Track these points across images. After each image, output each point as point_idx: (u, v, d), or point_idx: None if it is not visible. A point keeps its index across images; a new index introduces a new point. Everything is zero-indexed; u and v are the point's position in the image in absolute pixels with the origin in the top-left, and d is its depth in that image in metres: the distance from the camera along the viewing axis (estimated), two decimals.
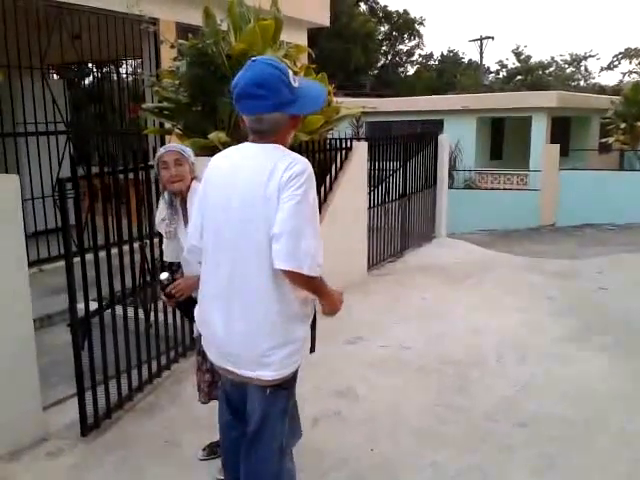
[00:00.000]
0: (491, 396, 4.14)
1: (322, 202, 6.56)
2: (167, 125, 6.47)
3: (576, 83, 44.17)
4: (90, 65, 10.20)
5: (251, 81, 2.25)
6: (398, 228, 8.51)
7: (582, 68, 46.45)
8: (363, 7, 39.31)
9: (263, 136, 2.34)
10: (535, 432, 3.66)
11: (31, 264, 3.65)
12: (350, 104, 8.18)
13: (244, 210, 2.26)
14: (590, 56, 45.93)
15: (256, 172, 2.26)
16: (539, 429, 3.70)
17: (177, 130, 6.17)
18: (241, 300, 2.31)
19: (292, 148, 6.26)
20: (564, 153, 18.94)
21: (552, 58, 46.26)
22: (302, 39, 11.01)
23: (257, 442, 2.47)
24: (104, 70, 9.79)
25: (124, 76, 9.66)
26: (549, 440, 3.58)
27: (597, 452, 3.46)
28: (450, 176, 14.37)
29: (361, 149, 7.18)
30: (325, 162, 6.65)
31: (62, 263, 3.56)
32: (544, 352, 4.93)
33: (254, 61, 2.30)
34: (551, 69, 45.89)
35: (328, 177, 6.68)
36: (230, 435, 2.65)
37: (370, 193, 7.71)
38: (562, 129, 21.77)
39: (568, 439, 3.59)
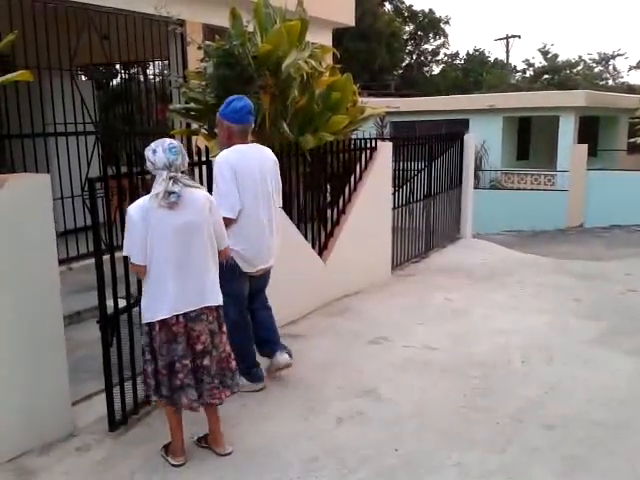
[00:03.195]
0: (517, 398, 4.11)
1: (346, 202, 6.57)
2: (194, 126, 6.54)
3: (604, 82, 43.49)
4: (118, 66, 10.33)
5: (251, 106, 4.00)
6: (423, 228, 8.48)
7: (610, 67, 45.70)
8: (388, 7, 39.21)
9: (247, 137, 4.02)
10: (562, 434, 3.63)
11: (60, 262, 3.72)
12: (374, 104, 8.16)
13: (271, 180, 4.10)
14: (619, 55, 45.13)
15: (269, 160, 4.14)
16: (566, 431, 3.66)
17: (203, 131, 6.23)
18: (273, 225, 4.12)
19: (317, 148, 6.31)
20: (592, 153, 18.69)
21: (580, 57, 45.62)
22: (327, 39, 11.02)
23: (266, 297, 4.44)
24: (131, 71, 9.91)
25: (151, 77, 9.77)
26: (576, 442, 3.54)
27: (625, 455, 3.42)
28: (476, 176, 14.27)
29: (385, 149, 7.17)
30: (349, 162, 6.65)
31: (91, 261, 3.61)
32: (571, 354, 4.87)
33: (243, 96, 4.05)
34: (579, 68, 45.24)
35: (352, 177, 6.69)
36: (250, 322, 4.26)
37: (394, 193, 7.69)
38: (590, 129, 21.48)
39: (595, 442, 3.55)
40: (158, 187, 3.07)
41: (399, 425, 3.76)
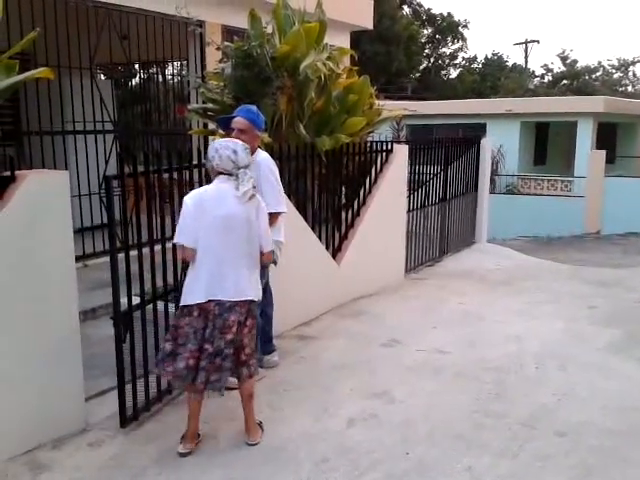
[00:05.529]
0: (530, 404, 4.08)
1: (361, 204, 6.57)
2: (211, 126, 6.56)
3: (623, 89, 43.10)
4: (137, 66, 10.40)
5: None
6: (437, 232, 8.45)
7: (630, 73, 45.34)
8: (406, 10, 39.11)
9: None
10: (574, 441, 3.60)
11: (76, 259, 3.75)
12: (391, 107, 8.15)
13: None
14: (639, 61, 44.79)
15: None
16: (579, 439, 3.63)
17: (221, 131, 6.25)
18: None
19: (333, 150, 6.30)
20: (610, 160, 18.52)
21: (599, 63, 45.38)
22: (345, 41, 11.03)
23: None
24: (150, 71, 9.98)
25: (169, 77, 9.83)
26: (589, 450, 3.51)
27: (637, 463, 3.38)
28: (492, 181, 14.21)
29: (401, 152, 7.16)
30: (365, 164, 6.65)
31: (106, 259, 3.65)
32: (585, 362, 4.83)
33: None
34: (598, 74, 44.90)
35: (367, 180, 6.68)
36: None
37: (410, 196, 7.68)
38: (608, 135, 21.28)
39: (608, 450, 3.52)
40: (247, 184, 3.31)
41: (411, 428, 3.75)
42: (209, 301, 3.34)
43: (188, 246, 3.33)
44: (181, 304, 3.43)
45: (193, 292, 3.37)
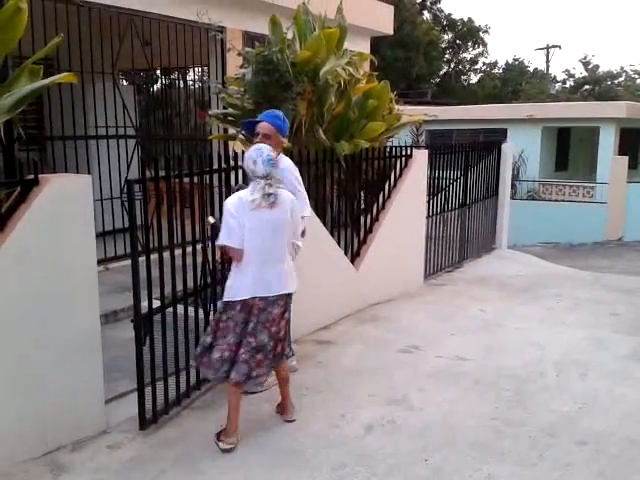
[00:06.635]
0: (550, 412, 4.03)
1: (380, 209, 6.56)
2: (231, 131, 6.60)
3: None
4: (158, 72, 10.51)
5: None
6: (457, 238, 8.41)
7: None
8: (427, 15, 39.00)
9: None
10: (595, 450, 3.55)
11: (98, 262, 3.79)
12: (411, 112, 8.14)
13: None
14: None
15: None
16: (599, 448, 3.58)
17: (241, 136, 6.28)
18: None
19: (352, 155, 6.29)
20: (633, 166, 18.30)
21: (621, 68, 44.70)
22: (365, 47, 11.05)
23: None
24: (172, 77, 10.08)
25: (190, 83, 9.92)
26: (609, 459, 3.46)
27: None
28: (513, 186, 14.09)
29: (421, 157, 7.14)
30: (384, 169, 6.65)
31: (128, 262, 3.68)
32: (607, 370, 4.77)
33: None
34: (620, 79, 44.37)
35: (387, 185, 6.67)
36: None
37: (429, 201, 7.65)
38: (631, 141, 21.00)
39: (629, 459, 3.47)
40: (256, 193, 3.46)
41: (429, 435, 3.73)
42: (254, 297, 3.52)
43: (235, 247, 3.49)
44: (224, 300, 3.59)
45: (239, 289, 3.53)
